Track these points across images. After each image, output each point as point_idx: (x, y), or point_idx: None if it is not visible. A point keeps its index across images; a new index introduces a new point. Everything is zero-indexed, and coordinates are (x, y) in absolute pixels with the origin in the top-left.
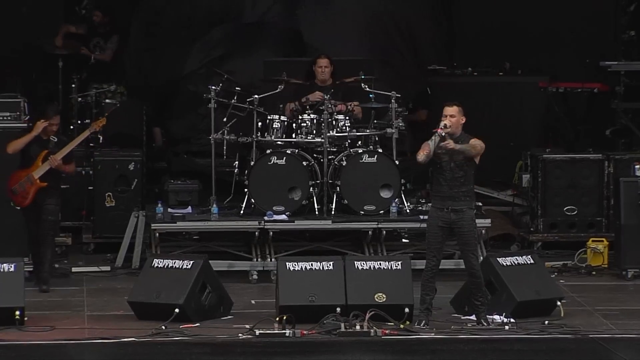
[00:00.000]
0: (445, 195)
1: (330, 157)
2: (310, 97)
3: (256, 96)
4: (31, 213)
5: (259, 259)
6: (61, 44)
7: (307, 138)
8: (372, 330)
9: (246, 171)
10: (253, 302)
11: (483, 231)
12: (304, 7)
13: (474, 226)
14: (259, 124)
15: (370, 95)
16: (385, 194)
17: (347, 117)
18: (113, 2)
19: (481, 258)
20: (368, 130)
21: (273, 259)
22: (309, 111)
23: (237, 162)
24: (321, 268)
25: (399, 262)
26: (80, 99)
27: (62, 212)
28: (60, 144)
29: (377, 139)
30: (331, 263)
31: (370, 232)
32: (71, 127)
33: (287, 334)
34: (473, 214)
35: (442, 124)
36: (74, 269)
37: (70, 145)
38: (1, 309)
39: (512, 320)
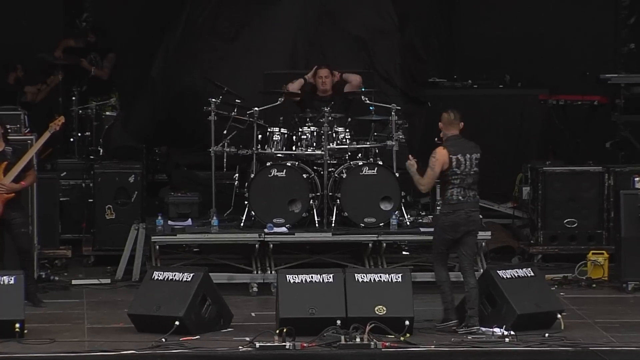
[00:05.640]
0: None
1: (330, 169)
2: (290, 86)
3: (256, 109)
4: None
5: (259, 272)
6: (61, 56)
7: (307, 150)
8: (372, 343)
9: (246, 183)
10: (253, 314)
11: (483, 243)
12: (301, 20)
13: (434, 232)
14: (259, 136)
15: (371, 108)
16: (386, 206)
17: (348, 130)
18: (108, 21)
19: (481, 270)
20: (368, 143)
21: (273, 272)
22: (309, 123)
23: (237, 175)
24: (321, 280)
25: (399, 275)
26: (80, 111)
27: (62, 225)
28: (18, 153)
29: (377, 151)
30: (331, 275)
31: (370, 245)
32: (71, 139)
33: (287, 347)
34: (438, 220)
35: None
36: (74, 282)
37: (31, 151)
38: (1, 322)
39: (512, 332)
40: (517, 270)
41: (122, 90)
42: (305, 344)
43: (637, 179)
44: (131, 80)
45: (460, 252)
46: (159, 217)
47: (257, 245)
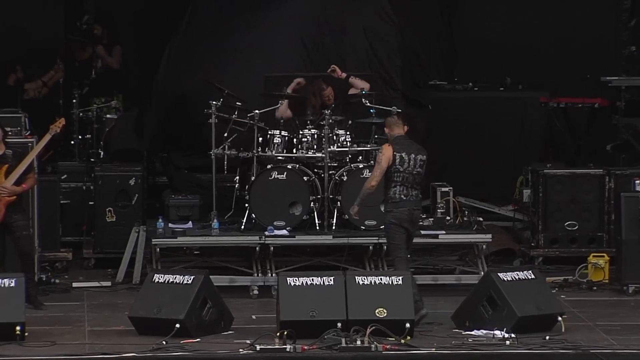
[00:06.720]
0: None
1: (330, 172)
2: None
3: (257, 111)
4: None
5: (259, 274)
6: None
7: (307, 153)
8: (373, 346)
9: (247, 186)
10: (254, 317)
11: (484, 246)
12: (302, 23)
13: (385, 230)
14: (260, 138)
15: (371, 110)
16: None
17: (348, 132)
18: (112, 15)
19: (482, 273)
20: (369, 145)
21: (274, 274)
22: (310, 126)
23: (237, 177)
24: (322, 283)
25: (400, 277)
26: (81, 114)
27: (63, 227)
28: (18, 156)
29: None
30: (332, 278)
31: (371, 247)
32: (72, 142)
33: (287, 349)
34: (385, 220)
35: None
36: (74, 284)
37: (32, 153)
38: (2, 325)
39: (512, 335)
40: (517, 272)
41: (124, 91)
42: (306, 347)
43: (637, 181)
44: (134, 81)
45: None
46: (160, 220)
47: (257, 248)
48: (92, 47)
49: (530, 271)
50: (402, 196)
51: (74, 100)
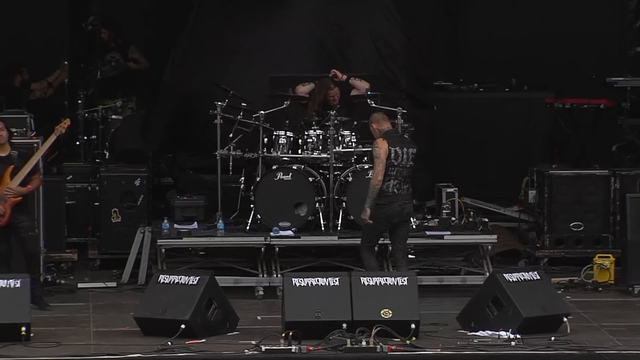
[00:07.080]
0: None
1: (336, 172)
2: (300, 88)
3: (262, 112)
4: (2, 232)
5: (264, 275)
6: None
7: (313, 154)
8: (378, 346)
9: (252, 187)
10: (259, 318)
11: (490, 247)
12: (307, 24)
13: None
14: (265, 139)
15: None
16: None
17: (353, 133)
18: (118, 17)
19: (487, 274)
20: None
21: (279, 275)
22: (315, 127)
23: (243, 178)
24: (327, 284)
25: (405, 278)
26: (86, 114)
27: (68, 228)
28: (24, 156)
29: None
30: (337, 279)
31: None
32: (77, 143)
33: (293, 350)
34: (377, 212)
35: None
36: (79, 285)
37: (37, 154)
38: (7, 325)
39: (518, 336)
40: (523, 273)
41: (138, 92)
42: (311, 348)
43: None
44: (141, 83)
45: (395, 246)
46: (165, 221)
47: (263, 249)
48: (98, 50)
49: (535, 272)
50: (395, 190)
51: (80, 101)
